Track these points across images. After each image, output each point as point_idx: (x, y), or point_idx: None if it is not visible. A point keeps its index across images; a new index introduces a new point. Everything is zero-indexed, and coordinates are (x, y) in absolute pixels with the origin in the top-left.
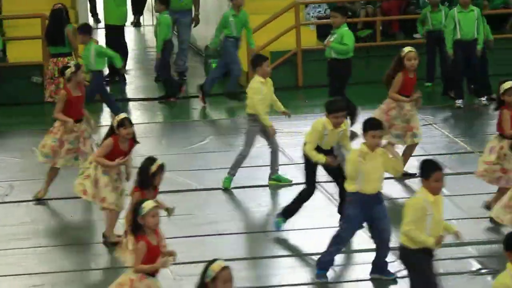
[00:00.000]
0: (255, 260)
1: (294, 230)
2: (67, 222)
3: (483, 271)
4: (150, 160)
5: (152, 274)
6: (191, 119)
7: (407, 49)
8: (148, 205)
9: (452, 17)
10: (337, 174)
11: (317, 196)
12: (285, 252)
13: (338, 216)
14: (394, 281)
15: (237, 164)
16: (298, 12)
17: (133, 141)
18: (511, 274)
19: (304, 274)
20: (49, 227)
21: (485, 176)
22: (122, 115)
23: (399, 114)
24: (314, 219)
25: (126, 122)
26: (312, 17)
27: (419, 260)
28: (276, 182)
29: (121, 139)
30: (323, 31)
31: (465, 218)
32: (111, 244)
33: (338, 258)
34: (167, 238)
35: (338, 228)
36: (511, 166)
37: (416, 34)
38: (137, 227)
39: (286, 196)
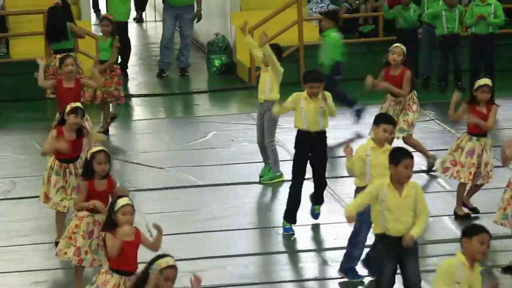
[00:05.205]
0: (259, 256)
1: (297, 226)
2: (69, 218)
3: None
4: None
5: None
6: (194, 115)
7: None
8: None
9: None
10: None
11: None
12: (287, 248)
13: (339, 212)
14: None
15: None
16: (300, 7)
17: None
18: (459, 262)
19: (308, 270)
20: (51, 224)
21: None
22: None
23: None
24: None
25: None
26: (314, 12)
27: None
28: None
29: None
30: None
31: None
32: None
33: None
34: (170, 234)
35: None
36: (462, 160)
37: (419, 29)
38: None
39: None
